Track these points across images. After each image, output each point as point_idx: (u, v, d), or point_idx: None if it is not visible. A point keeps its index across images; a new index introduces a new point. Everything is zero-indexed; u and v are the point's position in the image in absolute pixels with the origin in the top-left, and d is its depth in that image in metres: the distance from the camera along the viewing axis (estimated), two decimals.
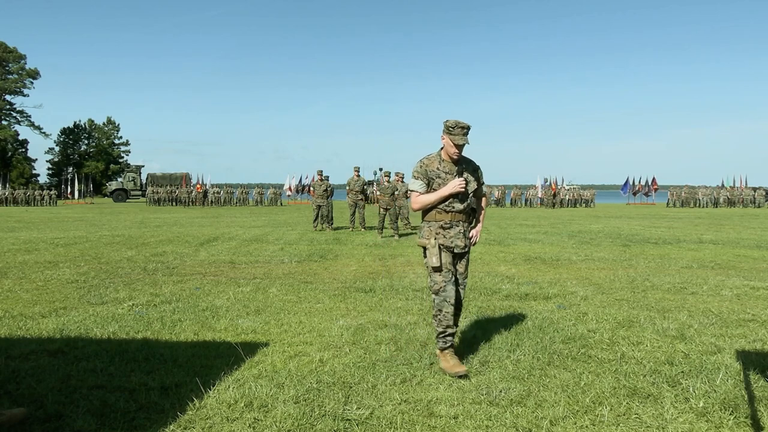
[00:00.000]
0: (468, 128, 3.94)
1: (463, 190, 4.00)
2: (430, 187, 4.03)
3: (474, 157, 4.17)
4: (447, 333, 3.99)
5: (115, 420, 3.09)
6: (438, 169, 4.03)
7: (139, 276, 7.93)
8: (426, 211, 4.08)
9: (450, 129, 3.93)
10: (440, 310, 4.00)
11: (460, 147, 3.96)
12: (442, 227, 4.05)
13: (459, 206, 4.04)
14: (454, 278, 4.07)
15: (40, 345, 4.47)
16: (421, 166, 4.06)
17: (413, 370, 3.89)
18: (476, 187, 4.17)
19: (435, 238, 4.03)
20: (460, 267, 4.15)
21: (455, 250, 4.04)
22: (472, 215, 4.21)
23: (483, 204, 4.35)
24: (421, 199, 4.04)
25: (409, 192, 4.17)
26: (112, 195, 50.21)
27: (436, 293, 4.02)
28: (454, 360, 3.92)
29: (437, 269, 4.00)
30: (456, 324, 4.12)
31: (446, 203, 4.03)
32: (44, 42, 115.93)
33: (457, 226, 4.06)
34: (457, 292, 4.13)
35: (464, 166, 4.09)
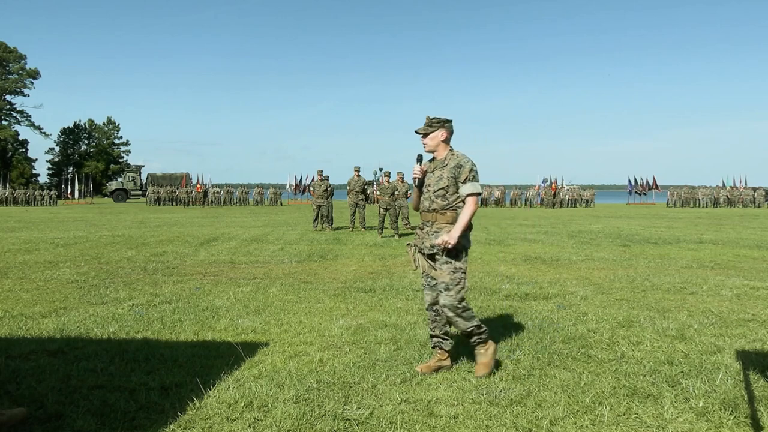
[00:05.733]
0: (428, 118, 3.91)
1: (416, 176, 3.97)
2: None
3: (474, 157, 3.85)
4: (430, 335, 4.06)
5: (115, 420, 3.09)
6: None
7: (139, 276, 7.94)
8: None
9: None
10: None
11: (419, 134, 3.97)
12: (420, 227, 4.04)
13: (426, 204, 3.95)
14: (430, 283, 3.98)
15: (40, 345, 4.47)
16: None
17: (413, 370, 3.89)
18: (446, 185, 3.86)
19: (413, 241, 4.06)
20: (435, 272, 3.90)
21: (424, 251, 3.93)
22: (452, 218, 3.87)
23: (467, 208, 3.83)
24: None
25: None
26: (112, 195, 50.21)
27: None
28: (431, 359, 4.00)
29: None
30: (439, 333, 3.96)
31: (421, 203, 4.01)
32: (44, 42, 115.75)
33: (428, 226, 3.93)
34: (436, 298, 3.92)
35: (445, 161, 3.90)
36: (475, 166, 3.89)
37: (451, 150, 3.97)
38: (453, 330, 4.05)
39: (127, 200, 49.02)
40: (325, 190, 16.03)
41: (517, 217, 24.31)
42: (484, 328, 3.91)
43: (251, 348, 4.37)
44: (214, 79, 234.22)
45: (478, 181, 3.88)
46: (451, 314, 3.83)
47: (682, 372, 3.87)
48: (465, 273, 3.89)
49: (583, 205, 40.65)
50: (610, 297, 6.49)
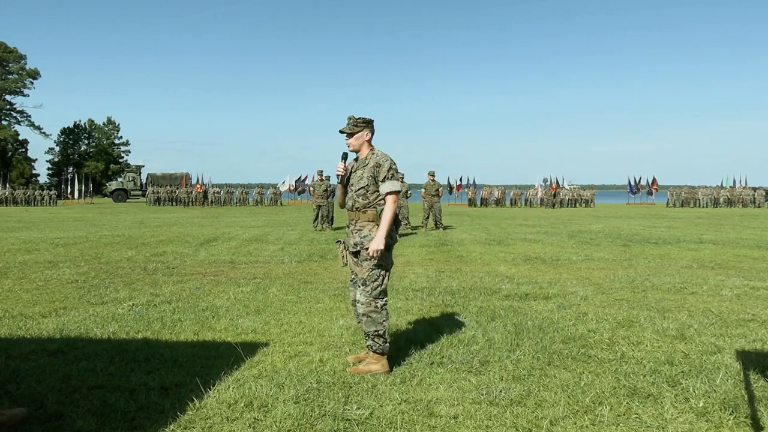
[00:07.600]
0: (352, 118, 3.97)
1: (339, 173, 4.03)
2: None
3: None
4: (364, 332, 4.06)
5: (115, 420, 3.09)
6: None
7: (139, 276, 7.94)
8: None
9: None
10: None
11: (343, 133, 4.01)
12: (347, 225, 4.12)
13: (349, 203, 4.02)
14: (355, 279, 4.00)
15: (40, 345, 4.47)
16: None
17: (413, 370, 3.89)
18: (366, 184, 3.93)
19: (342, 238, 4.12)
20: (358, 269, 3.93)
21: (349, 249, 3.99)
22: (373, 216, 3.92)
23: (387, 207, 3.85)
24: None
25: None
26: (112, 195, 50.20)
27: None
28: (362, 352, 4.09)
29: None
30: (363, 330, 3.94)
31: (346, 201, 4.07)
32: (44, 42, 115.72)
33: (352, 224, 4.01)
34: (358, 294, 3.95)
35: (366, 160, 3.97)
36: (394, 164, 3.94)
37: (372, 149, 4.02)
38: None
39: (127, 200, 49.01)
40: (326, 190, 16.03)
41: (517, 217, 24.32)
42: (386, 343, 3.88)
43: (251, 348, 4.37)
44: (214, 79, 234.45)
45: (396, 180, 3.93)
46: (362, 310, 3.88)
47: (682, 372, 3.87)
48: (387, 271, 3.92)
49: (583, 205, 40.63)
50: (610, 297, 6.49)
